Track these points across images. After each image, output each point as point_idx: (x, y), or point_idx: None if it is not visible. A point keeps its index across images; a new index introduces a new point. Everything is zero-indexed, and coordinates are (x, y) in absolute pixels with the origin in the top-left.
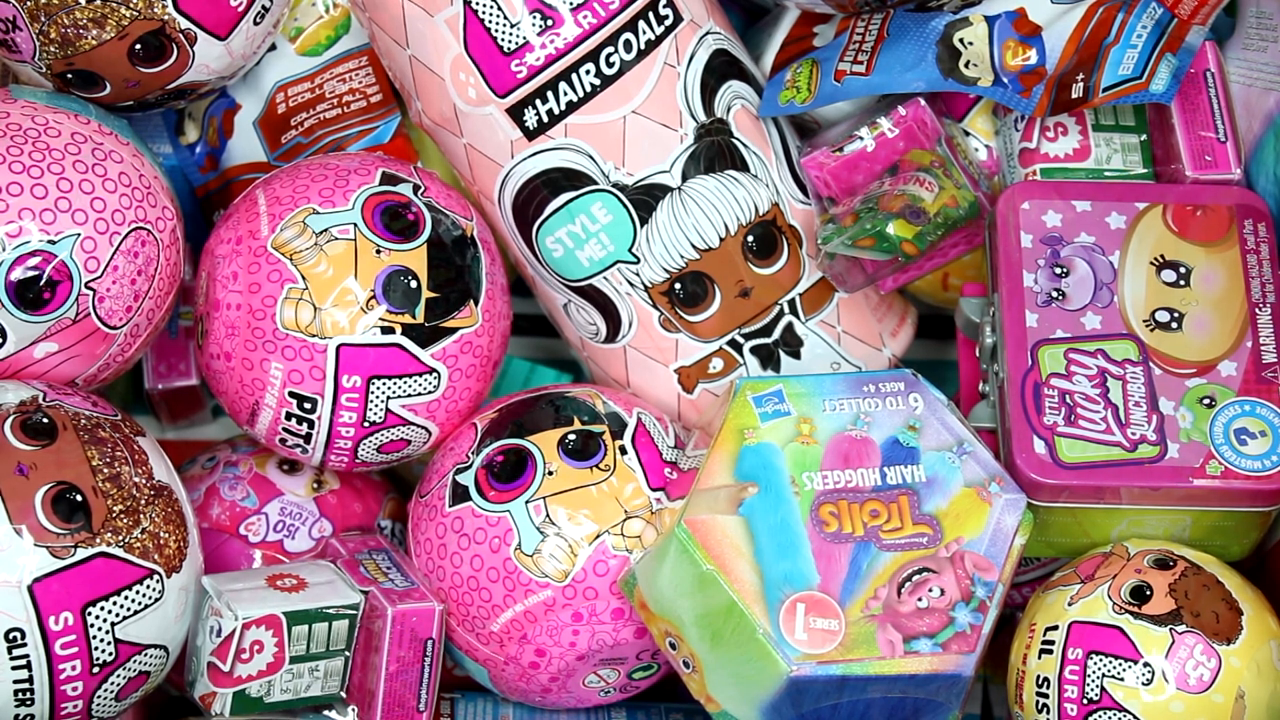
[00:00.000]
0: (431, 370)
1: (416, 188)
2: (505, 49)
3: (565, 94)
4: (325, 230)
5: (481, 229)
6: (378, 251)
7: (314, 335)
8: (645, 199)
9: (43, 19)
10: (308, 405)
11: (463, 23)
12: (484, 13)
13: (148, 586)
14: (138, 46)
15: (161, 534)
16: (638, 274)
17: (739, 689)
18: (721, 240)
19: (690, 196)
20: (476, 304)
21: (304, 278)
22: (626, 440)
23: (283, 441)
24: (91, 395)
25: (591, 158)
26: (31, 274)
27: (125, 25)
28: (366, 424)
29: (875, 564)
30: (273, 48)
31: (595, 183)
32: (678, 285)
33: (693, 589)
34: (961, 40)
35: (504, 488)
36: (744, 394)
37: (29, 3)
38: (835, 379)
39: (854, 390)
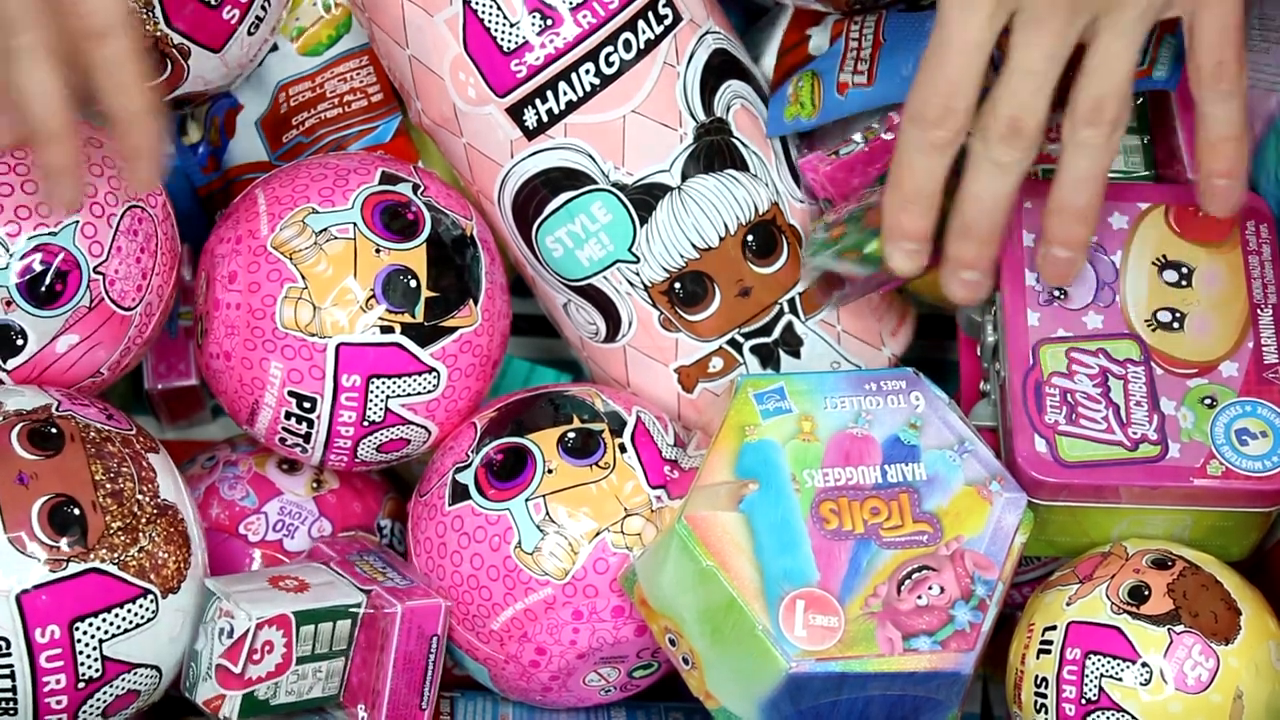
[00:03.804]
0: (431, 369)
1: (416, 187)
2: (505, 49)
3: (565, 93)
4: (325, 229)
5: (481, 229)
6: (377, 251)
7: (313, 334)
8: (645, 198)
9: None
10: (307, 404)
11: (462, 23)
12: (483, 13)
13: (140, 606)
14: None
15: (160, 554)
16: (637, 273)
17: (738, 685)
18: (721, 240)
19: (690, 196)
20: (476, 303)
21: (303, 277)
22: (626, 438)
23: (282, 441)
24: (108, 408)
25: (591, 157)
26: (40, 269)
27: None
28: (366, 423)
29: (875, 561)
30: (274, 48)
31: (595, 182)
32: (677, 285)
33: (693, 585)
34: None
35: (504, 486)
36: (745, 391)
37: None
38: (837, 377)
39: (855, 388)
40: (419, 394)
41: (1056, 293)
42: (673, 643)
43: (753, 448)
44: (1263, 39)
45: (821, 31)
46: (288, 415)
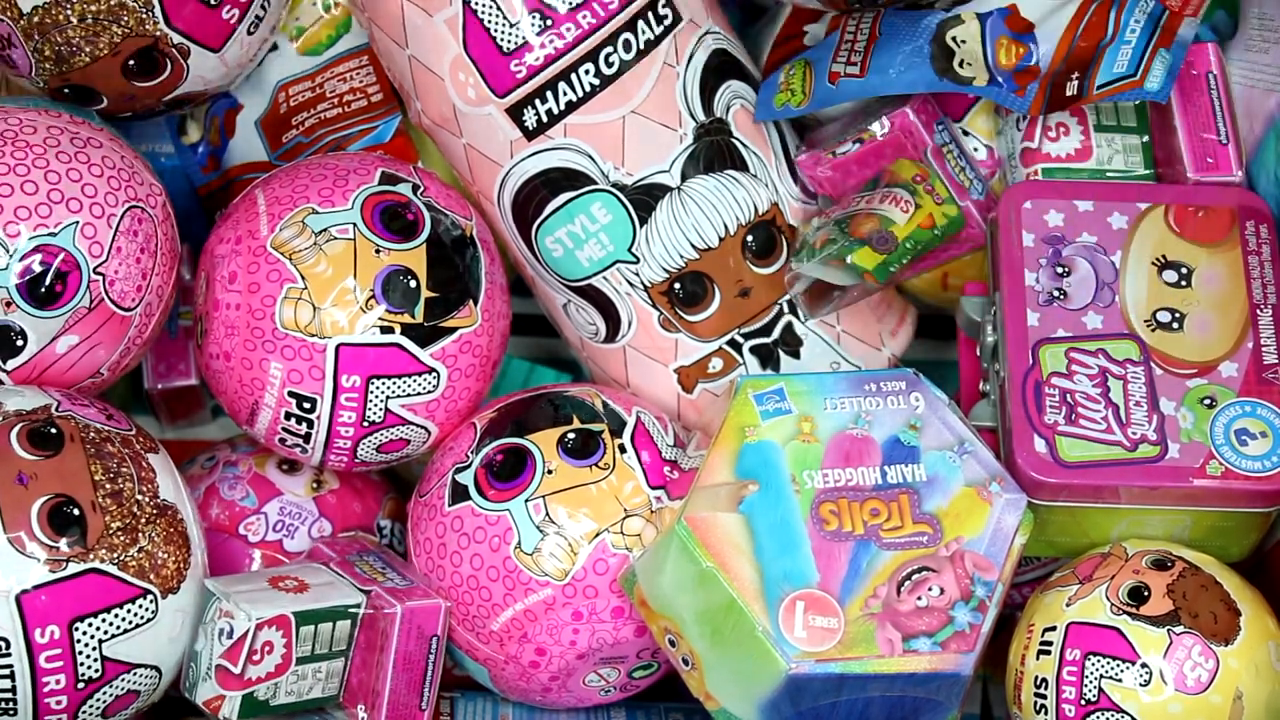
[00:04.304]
0: (431, 370)
1: (416, 187)
2: (504, 49)
3: (565, 94)
4: (325, 230)
5: (481, 229)
6: (377, 251)
7: (313, 335)
8: (645, 199)
9: (36, 37)
10: (307, 405)
11: (462, 23)
12: (483, 13)
13: (140, 606)
14: (131, 62)
15: (159, 554)
16: (637, 274)
17: (738, 686)
18: (721, 240)
19: (690, 196)
20: (476, 304)
21: (303, 277)
22: (626, 439)
23: (282, 441)
24: (108, 408)
25: (591, 157)
26: (40, 269)
27: (118, 43)
28: (366, 424)
29: (875, 562)
30: (274, 47)
31: (595, 182)
32: (677, 285)
33: (693, 586)
34: (954, 38)
35: (503, 486)
36: (745, 392)
37: (22, 21)
38: (837, 378)
39: (855, 389)
40: (419, 394)
41: (1056, 293)
42: (672, 643)
43: (753, 448)
44: (1262, 39)
45: (818, 28)
46: (287, 415)
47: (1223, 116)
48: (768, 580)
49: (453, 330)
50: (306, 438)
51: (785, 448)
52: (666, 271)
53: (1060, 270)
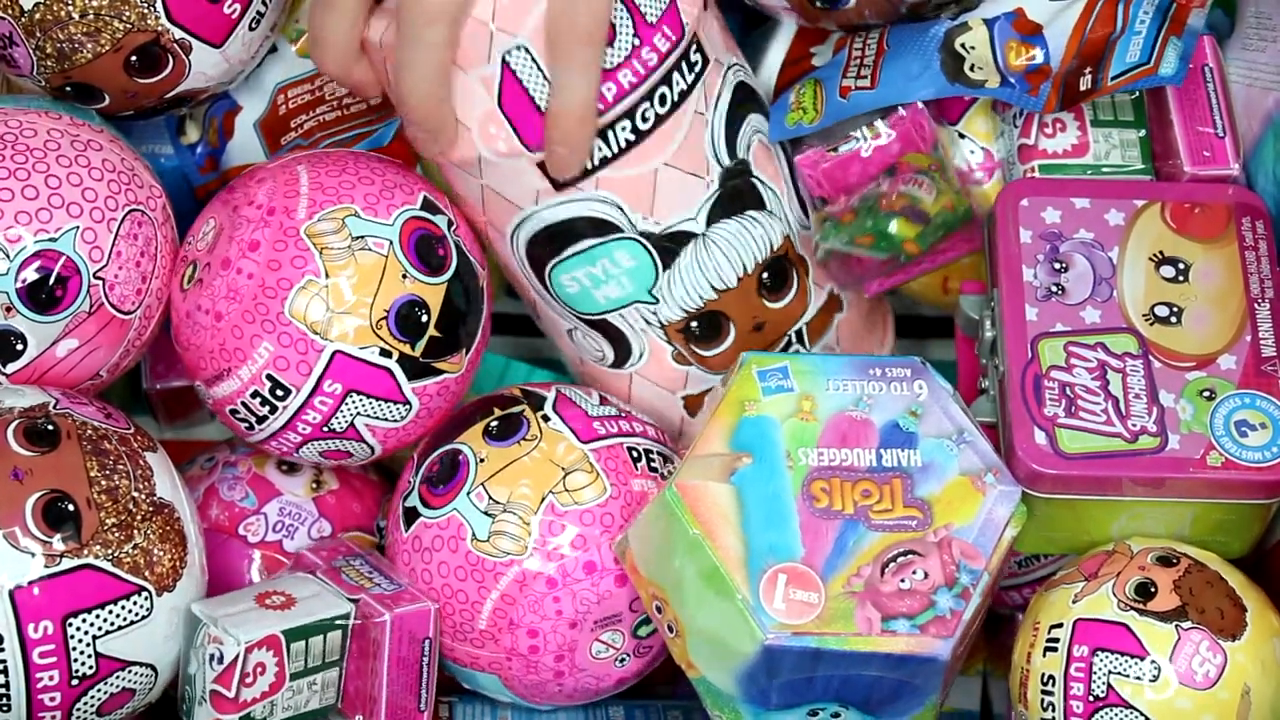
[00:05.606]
0: (406, 402)
1: (450, 223)
2: (541, 107)
3: (600, 149)
4: (363, 238)
5: (486, 284)
6: (404, 276)
7: (316, 333)
8: (670, 246)
9: (38, 34)
10: (280, 393)
11: (499, 81)
12: (521, 71)
13: (134, 603)
14: (133, 58)
15: (155, 551)
16: (655, 313)
17: (717, 655)
18: (739, 280)
19: (713, 241)
20: (465, 354)
21: (327, 275)
22: (548, 409)
23: (233, 413)
24: (106, 407)
25: (620, 208)
26: (40, 275)
27: (119, 38)
28: (326, 429)
29: (861, 542)
30: (274, 49)
31: (621, 231)
32: (694, 323)
33: (679, 553)
34: (963, 45)
35: (444, 491)
36: (749, 367)
37: (24, 19)
38: (842, 360)
39: (859, 373)
40: (386, 420)
41: (1054, 288)
42: (659, 610)
43: (751, 422)
44: (1259, 38)
45: (825, 49)
46: (254, 395)
47: (1219, 109)
48: (752, 551)
49: (439, 372)
50: (262, 420)
51: (783, 424)
52: (685, 311)
53: (1058, 266)
